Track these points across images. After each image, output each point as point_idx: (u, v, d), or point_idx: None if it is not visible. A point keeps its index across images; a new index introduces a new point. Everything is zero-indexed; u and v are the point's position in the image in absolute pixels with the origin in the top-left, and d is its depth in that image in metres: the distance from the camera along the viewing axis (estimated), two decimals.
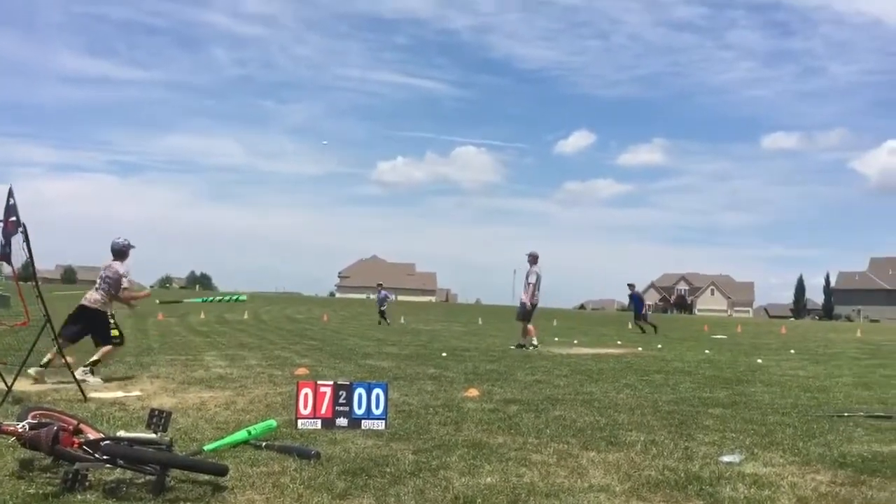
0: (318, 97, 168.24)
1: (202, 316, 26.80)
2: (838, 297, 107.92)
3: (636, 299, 26.15)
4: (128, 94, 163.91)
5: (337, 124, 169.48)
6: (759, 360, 14.46)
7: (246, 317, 28.47)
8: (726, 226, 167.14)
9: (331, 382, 6.26)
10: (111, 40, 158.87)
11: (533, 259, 15.51)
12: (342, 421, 6.04)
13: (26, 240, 6.53)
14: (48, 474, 4.33)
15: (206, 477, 4.25)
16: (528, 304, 15.53)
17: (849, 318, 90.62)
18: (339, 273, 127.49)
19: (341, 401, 6.09)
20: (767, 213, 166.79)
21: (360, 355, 13.12)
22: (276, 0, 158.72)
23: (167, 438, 4.56)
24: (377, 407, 6.12)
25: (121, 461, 4.14)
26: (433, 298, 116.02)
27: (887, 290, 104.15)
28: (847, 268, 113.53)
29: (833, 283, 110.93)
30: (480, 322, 32.73)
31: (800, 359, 15.62)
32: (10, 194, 6.59)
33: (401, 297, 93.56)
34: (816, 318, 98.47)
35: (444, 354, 13.62)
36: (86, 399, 6.97)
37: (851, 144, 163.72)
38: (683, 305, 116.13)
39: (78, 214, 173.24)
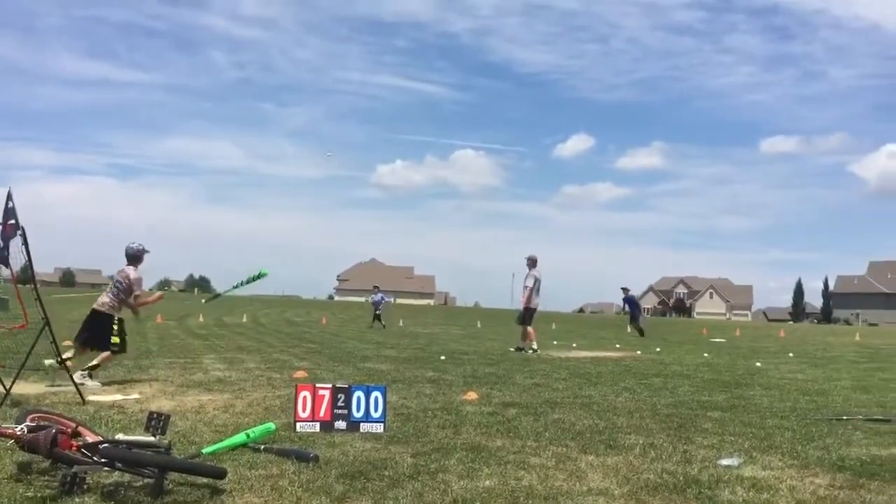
0: (318, 100, 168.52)
1: (201, 319, 26.78)
2: (837, 301, 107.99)
3: (631, 302, 26.15)
4: (127, 97, 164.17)
5: (336, 127, 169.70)
6: (758, 364, 14.46)
7: (244, 320, 28.44)
8: (725, 229, 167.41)
9: (329, 385, 6.26)
10: (110, 43, 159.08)
11: (532, 263, 15.53)
12: (341, 424, 6.04)
13: (25, 243, 6.52)
14: (46, 477, 4.32)
15: (205, 480, 4.24)
16: (523, 307, 15.58)
17: (847, 322, 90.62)
18: (338, 276, 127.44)
19: (340, 404, 6.09)
20: (766, 216, 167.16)
21: (359, 358, 13.11)
22: (275, 3, 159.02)
23: (166, 441, 4.56)
24: (376, 410, 6.11)
25: (119, 464, 4.14)
26: (432, 301, 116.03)
27: (886, 294, 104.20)
28: (846, 271, 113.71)
29: (832, 286, 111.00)
30: (479, 325, 32.72)
31: (798, 362, 15.63)
32: (9, 197, 6.59)
33: (399, 300, 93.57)
34: (815, 321, 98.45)
35: (442, 357, 13.61)
36: (84, 402, 6.96)
37: (850, 148, 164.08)
38: (682, 309, 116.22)
39: (77, 217, 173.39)
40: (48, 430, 4.22)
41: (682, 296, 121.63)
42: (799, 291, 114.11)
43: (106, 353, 8.57)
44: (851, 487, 4.70)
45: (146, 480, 4.13)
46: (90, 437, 4.51)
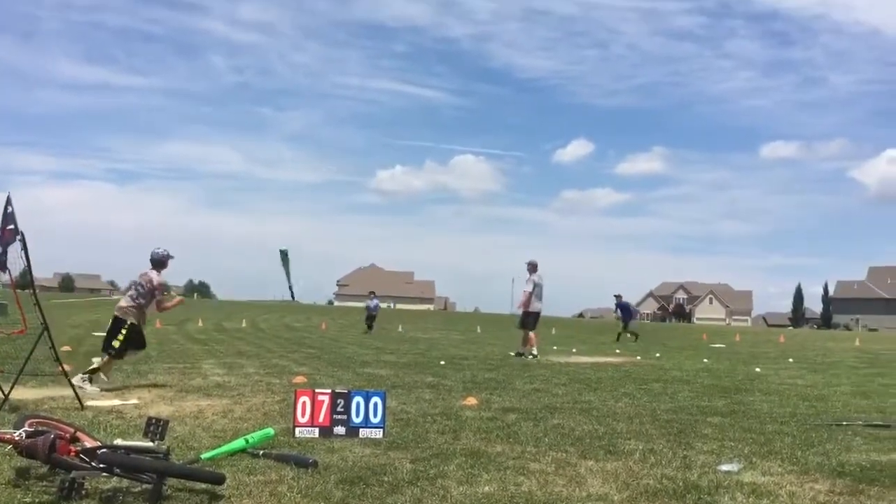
0: (317, 105, 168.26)
1: (200, 324, 26.76)
2: (837, 306, 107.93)
3: (624, 308, 26.63)
4: (126, 101, 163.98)
5: (335, 132, 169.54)
6: (758, 369, 14.45)
7: (244, 325, 28.43)
8: (725, 235, 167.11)
9: (329, 391, 6.26)
10: (109, 48, 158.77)
11: (532, 267, 15.54)
12: (340, 429, 6.03)
13: (24, 248, 6.53)
14: (45, 483, 4.32)
15: (204, 485, 4.24)
16: (523, 311, 15.59)
17: (847, 327, 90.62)
18: (338, 281, 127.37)
19: (339, 409, 6.09)
20: (766, 222, 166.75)
21: (358, 363, 13.10)
22: (273, 7, 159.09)
23: (164, 447, 4.55)
24: (375, 415, 6.11)
25: (117, 470, 4.13)
26: (431, 307, 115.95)
27: (886, 300, 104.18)
28: (846, 277, 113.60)
29: (832, 292, 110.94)
30: (479, 330, 32.70)
31: (798, 368, 15.62)
32: (8, 202, 6.60)
33: (399, 306, 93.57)
34: (815, 326, 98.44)
35: (442, 363, 13.60)
36: (83, 407, 6.95)
37: (851, 154, 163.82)
38: (682, 314, 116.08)
39: (76, 222, 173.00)
40: (47, 435, 4.21)
41: (681, 301, 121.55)
42: (799, 297, 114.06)
43: (105, 357, 8.58)
44: (851, 493, 4.69)
45: (145, 486, 4.12)
46: (89, 443, 4.49)
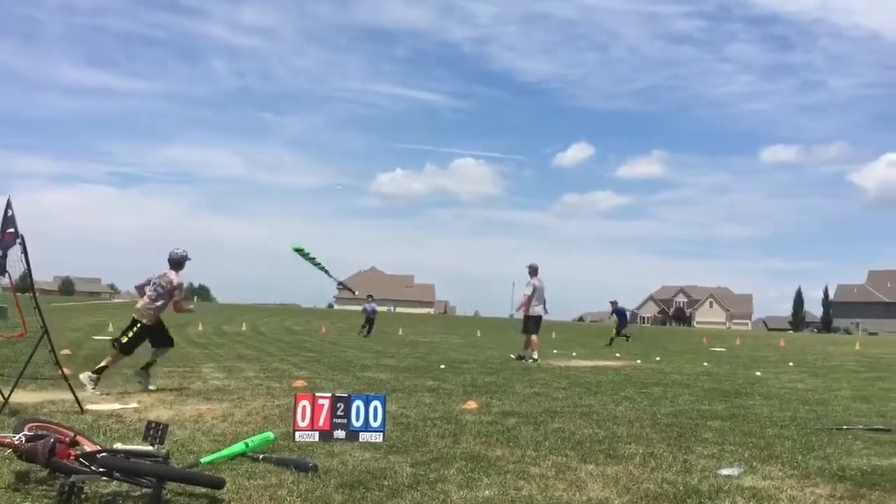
0: (318, 109, 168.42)
1: (200, 328, 26.75)
2: (837, 310, 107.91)
3: (620, 314, 27.19)
4: (127, 105, 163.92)
5: (336, 136, 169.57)
6: (758, 373, 14.44)
7: (244, 328, 28.42)
8: (725, 238, 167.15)
9: (329, 394, 6.25)
10: (111, 51, 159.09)
11: (532, 271, 15.55)
12: (340, 433, 6.03)
13: (24, 251, 6.53)
14: (44, 487, 4.31)
15: (203, 490, 4.23)
16: (524, 315, 15.58)
17: (847, 331, 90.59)
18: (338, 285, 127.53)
19: (339, 413, 6.08)
20: (766, 225, 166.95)
21: (359, 367, 13.09)
22: (275, 12, 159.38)
23: (164, 451, 4.54)
24: (375, 419, 6.10)
25: (117, 474, 4.12)
26: (431, 310, 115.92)
27: (886, 303, 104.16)
28: (846, 280, 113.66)
29: (832, 295, 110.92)
30: (479, 334, 32.69)
31: (798, 371, 15.61)
32: (9, 205, 6.60)
33: (399, 309, 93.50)
34: (815, 330, 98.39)
35: (442, 366, 13.59)
36: (82, 411, 6.95)
37: (850, 157, 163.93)
38: (682, 318, 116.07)
39: (76, 226, 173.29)
40: (46, 439, 4.21)
41: (681, 305, 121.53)
42: (799, 300, 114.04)
43: (113, 353, 8.72)
44: (852, 498, 4.69)
45: (144, 490, 4.12)
46: (88, 447, 4.49)
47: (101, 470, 4.12)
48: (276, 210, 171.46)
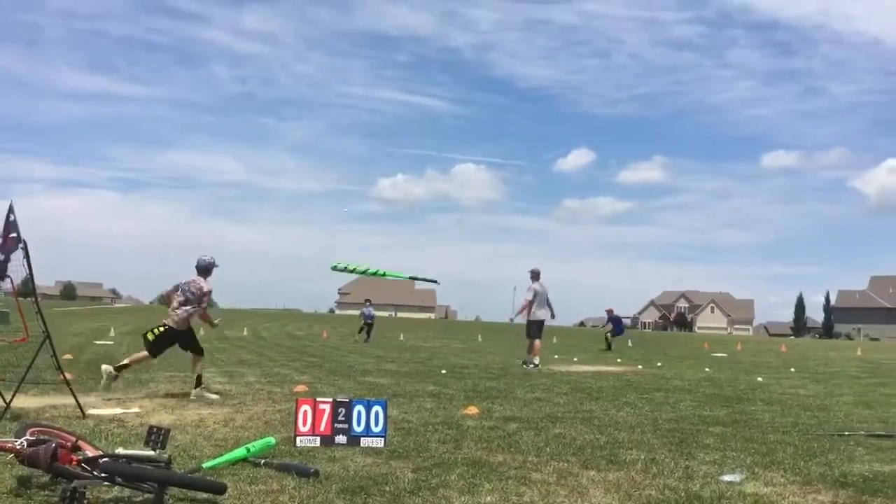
0: (319, 115, 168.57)
1: (201, 332, 26.73)
2: (838, 316, 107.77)
3: (616, 321, 27.81)
4: (129, 111, 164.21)
5: (337, 142, 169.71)
6: (760, 379, 14.42)
7: (245, 333, 28.41)
8: (726, 244, 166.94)
9: (330, 399, 6.25)
10: (112, 57, 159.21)
11: (534, 275, 15.55)
12: (341, 438, 6.03)
13: (26, 256, 6.54)
14: (46, 492, 4.31)
15: (205, 495, 4.23)
16: (526, 319, 15.58)
17: (849, 337, 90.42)
18: (339, 290, 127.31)
19: (340, 418, 6.08)
20: (767, 231, 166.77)
21: (360, 372, 13.09)
22: (276, 18, 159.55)
23: (165, 456, 4.55)
24: (376, 424, 6.10)
25: (119, 479, 4.12)
26: (432, 315, 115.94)
27: (887, 309, 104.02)
28: (847, 286, 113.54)
29: (833, 301, 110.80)
30: (480, 339, 32.67)
31: (800, 377, 15.59)
32: (11, 210, 6.62)
33: (400, 314, 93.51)
34: (816, 336, 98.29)
35: (443, 372, 13.58)
36: (84, 416, 6.95)
37: (851, 163, 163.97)
38: (683, 323, 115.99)
39: (78, 231, 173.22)
40: (48, 444, 4.21)
41: (683, 310, 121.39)
42: (800, 306, 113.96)
43: (141, 355, 8.85)
44: None
45: (146, 495, 4.12)
46: (90, 452, 4.49)
47: (102, 475, 4.12)
48: (278, 215, 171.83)
